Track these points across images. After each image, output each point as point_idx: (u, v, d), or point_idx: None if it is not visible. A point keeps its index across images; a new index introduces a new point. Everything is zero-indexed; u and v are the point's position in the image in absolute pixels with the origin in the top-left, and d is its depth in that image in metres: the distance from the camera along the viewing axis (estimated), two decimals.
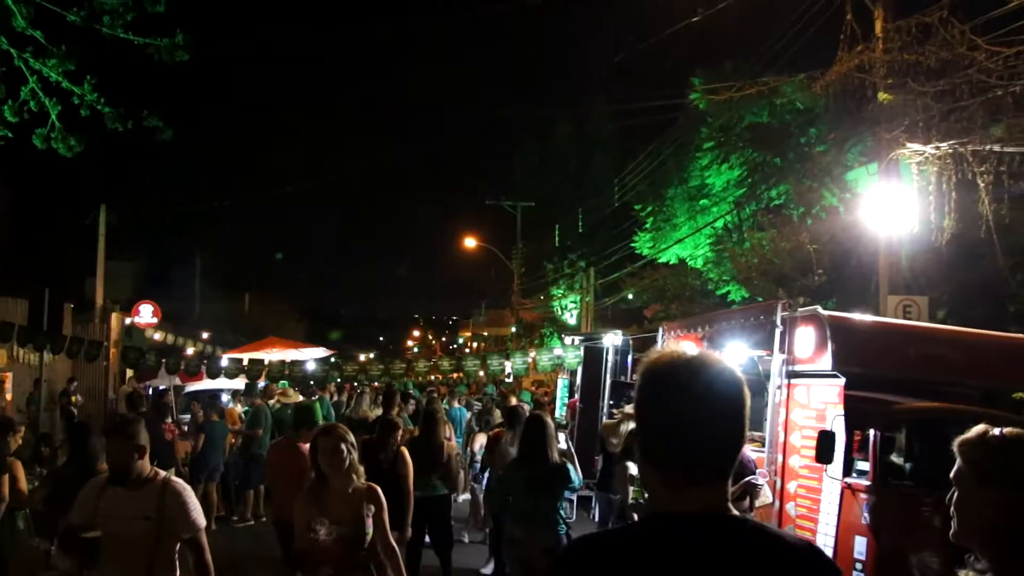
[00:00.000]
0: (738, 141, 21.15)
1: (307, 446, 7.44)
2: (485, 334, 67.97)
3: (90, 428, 6.63)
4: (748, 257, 19.05)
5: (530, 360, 14.27)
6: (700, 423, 1.73)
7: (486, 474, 10.25)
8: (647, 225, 28.15)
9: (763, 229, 21.57)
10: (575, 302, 45.83)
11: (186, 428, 15.03)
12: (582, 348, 14.03)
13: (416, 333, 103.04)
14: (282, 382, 14.37)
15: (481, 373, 17.62)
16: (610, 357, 14.82)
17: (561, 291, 46.12)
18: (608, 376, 15.05)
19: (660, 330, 11.97)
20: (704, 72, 22.96)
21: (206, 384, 17.20)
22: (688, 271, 25.40)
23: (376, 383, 16.47)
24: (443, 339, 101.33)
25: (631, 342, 14.67)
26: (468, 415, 15.26)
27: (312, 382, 14.97)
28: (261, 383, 14.09)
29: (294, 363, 14.20)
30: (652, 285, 25.73)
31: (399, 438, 7.95)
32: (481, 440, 11.54)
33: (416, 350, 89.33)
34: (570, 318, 46.86)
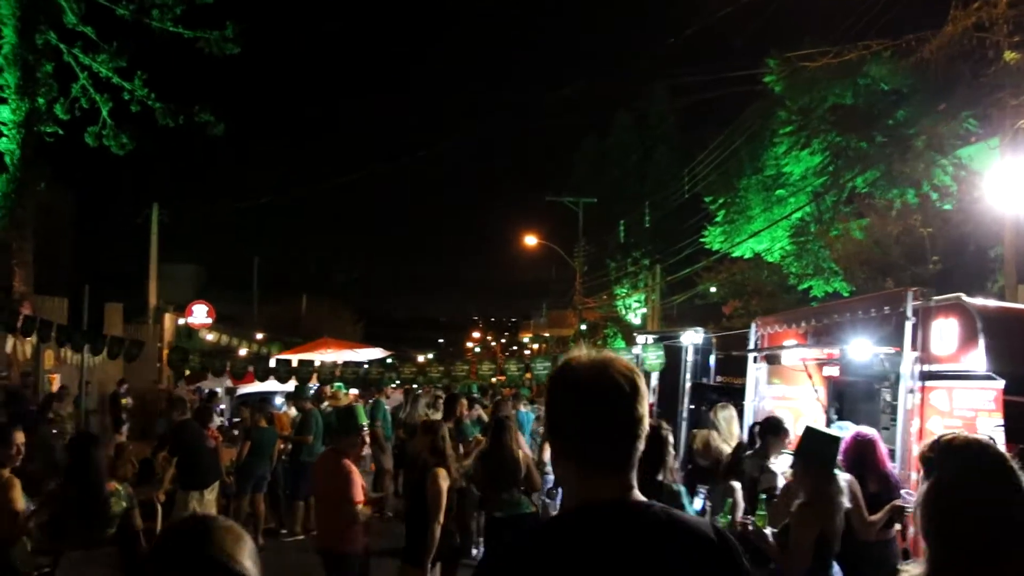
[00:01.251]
0: (820, 124, 19.59)
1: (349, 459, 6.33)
2: (547, 335, 66.66)
3: (95, 439, 5.59)
4: (845, 245, 17.45)
5: None
6: (593, 418, 1.87)
7: (560, 490, 8.96)
8: (718, 218, 26.73)
9: (846, 220, 20.06)
10: (639, 301, 44.48)
11: (236, 433, 14.15)
12: (662, 348, 12.70)
13: (476, 335, 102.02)
14: (337, 384, 13.25)
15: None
16: (689, 357, 13.51)
17: (625, 290, 44.78)
18: (688, 378, 13.77)
19: (752, 327, 10.59)
20: (779, 53, 21.49)
21: (258, 387, 16.31)
22: (764, 265, 23.89)
23: (436, 386, 15.34)
24: (503, 341, 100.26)
25: (714, 341, 13.31)
26: (534, 420, 14.09)
27: (371, 384, 13.84)
28: (312, 385, 13.04)
29: (347, 364, 13.14)
30: (730, 280, 24.17)
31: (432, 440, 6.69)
32: None
33: (477, 351, 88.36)
34: (634, 318, 45.48)
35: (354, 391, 15.49)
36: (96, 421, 17.51)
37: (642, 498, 1.86)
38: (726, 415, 8.70)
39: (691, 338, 13.92)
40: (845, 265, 17.74)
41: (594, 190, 42.01)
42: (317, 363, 11.87)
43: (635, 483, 1.87)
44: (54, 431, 13.82)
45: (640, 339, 16.72)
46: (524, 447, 7.99)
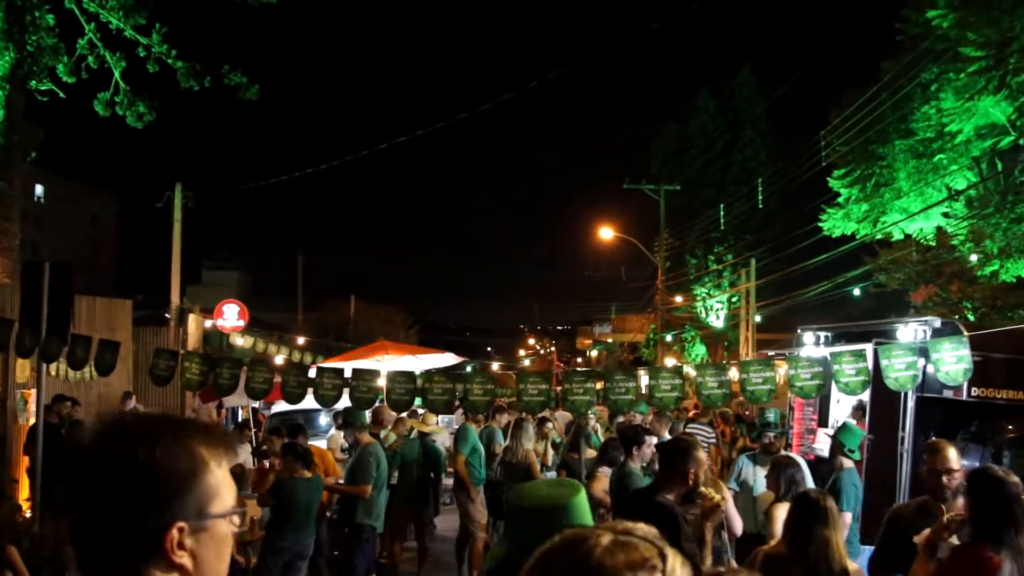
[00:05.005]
0: (1020, 62, 15.04)
1: None
2: (610, 341, 62.12)
3: None
4: None
5: (778, 375, 8.18)
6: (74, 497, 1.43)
7: None
8: (842, 198, 22.31)
9: None
10: (722, 302, 40.01)
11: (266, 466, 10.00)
12: (870, 352, 8.12)
13: (531, 342, 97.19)
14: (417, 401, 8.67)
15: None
16: (882, 361, 8.85)
17: (706, 289, 40.35)
18: (911, 390, 9.40)
19: None
20: None
21: (301, 404, 12.19)
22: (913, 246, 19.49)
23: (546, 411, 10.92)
24: (552, 349, 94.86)
25: (969, 339, 8.75)
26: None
27: (474, 408, 9.19)
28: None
29: (431, 376, 8.79)
30: (920, 261, 19.42)
31: None
32: None
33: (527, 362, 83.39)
34: (715, 320, 41.01)
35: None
36: None
37: None
38: None
39: (909, 333, 9.56)
40: None
41: (672, 182, 37.66)
42: (384, 372, 7.66)
43: None
44: None
45: (808, 338, 12.32)
46: None
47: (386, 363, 13.92)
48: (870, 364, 7.93)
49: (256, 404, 16.77)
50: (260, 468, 10.13)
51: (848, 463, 7.32)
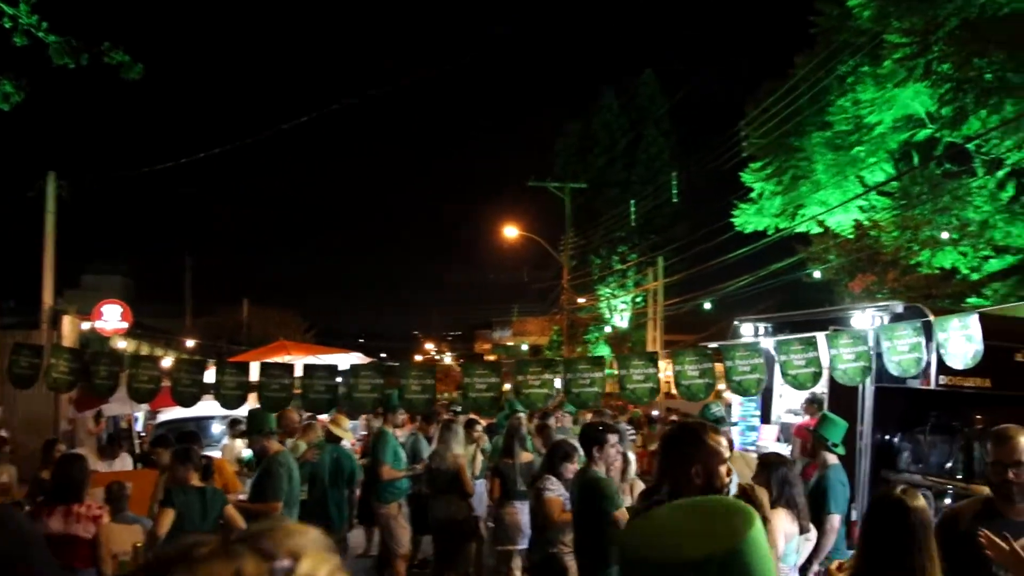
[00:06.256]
0: (946, 49, 14.78)
1: None
2: (510, 344, 61.38)
3: None
4: None
5: (716, 368, 7.20)
6: None
7: None
8: (755, 193, 22.01)
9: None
10: (627, 302, 39.72)
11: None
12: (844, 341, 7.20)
13: (428, 346, 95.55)
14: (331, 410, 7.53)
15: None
16: (883, 344, 7.95)
17: (611, 289, 39.99)
18: (871, 378, 8.74)
19: None
20: None
21: (192, 411, 10.78)
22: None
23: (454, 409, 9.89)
24: (452, 355, 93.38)
25: (993, 327, 7.52)
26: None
27: (424, 413, 8.11)
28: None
29: (361, 372, 7.61)
30: (856, 250, 18.96)
31: None
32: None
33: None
34: (619, 320, 40.70)
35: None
36: None
37: None
38: None
39: (868, 319, 8.96)
40: None
41: (577, 180, 37.09)
42: (299, 371, 6.48)
43: None
44: None
45: (746, 329, 11.59)
46: None
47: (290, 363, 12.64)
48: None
49: (139, 413, 15.17)
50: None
51: (833, 459, 6.52)
